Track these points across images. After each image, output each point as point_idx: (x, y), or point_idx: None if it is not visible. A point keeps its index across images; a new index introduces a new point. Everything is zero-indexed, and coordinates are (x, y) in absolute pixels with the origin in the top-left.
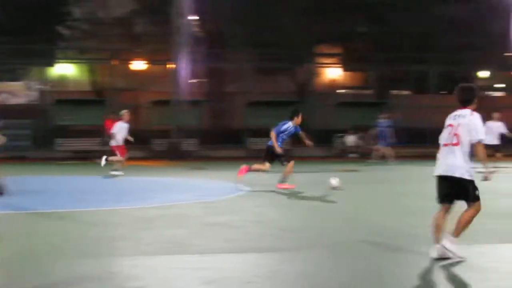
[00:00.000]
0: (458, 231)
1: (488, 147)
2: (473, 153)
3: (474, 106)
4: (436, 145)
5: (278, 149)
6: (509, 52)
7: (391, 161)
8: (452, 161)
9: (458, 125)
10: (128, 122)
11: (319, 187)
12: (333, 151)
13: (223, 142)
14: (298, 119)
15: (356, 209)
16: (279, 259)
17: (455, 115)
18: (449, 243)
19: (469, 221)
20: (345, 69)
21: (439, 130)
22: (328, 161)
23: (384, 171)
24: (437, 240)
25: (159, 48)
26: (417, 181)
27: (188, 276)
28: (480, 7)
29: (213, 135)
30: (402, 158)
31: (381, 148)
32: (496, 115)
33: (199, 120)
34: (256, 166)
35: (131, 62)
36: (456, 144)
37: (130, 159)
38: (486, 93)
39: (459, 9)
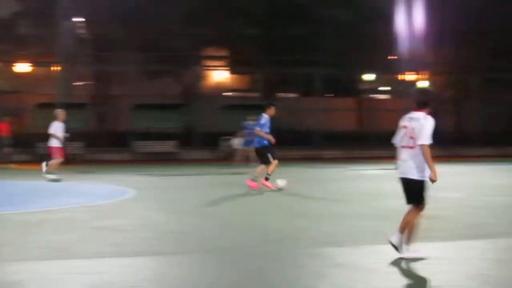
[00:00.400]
0: (409, 238)
1: None
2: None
3: (428, 109)
4: (321, 147)
5: (271, 138)
6: (393, 55)
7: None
8: (408, 163)
9: (413, 128)
10: (64, 121)
11: (206, 191)
12: (219, 154)
13: (109, 145)
14: (271, 111)
15: (243, 212)
16: (166, 263)
17: (410, 117)
18: (407, 253)
19: (415, 224)
20: (232, 72)
21: (325, 132)
22: (214, 164)
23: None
24: (401, 230)
25: (44, 50)
26: (303, 183)
27: (74, 281)
28: (364, 10)
29: (99, 138)
30: (289, 160)
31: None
32: None
33: (85, 123)
34: (270, 168)
35: (14, 64)
36: (412, 147)
37: (17, 162)
38: (371, 95)
39: (344, 12)
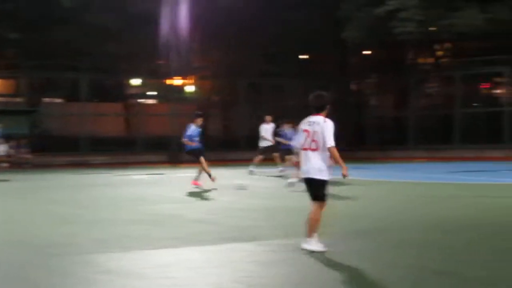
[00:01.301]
0: (311, 231)
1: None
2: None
3: (326, 112)
4: (89, 153)
5: (195, 143)
6: (160, 60)
7: None
8: (311, 164)
9: (314, 132)
10: None
11: None
12: None
13: None
14: (198, 120)
15: (5, 220)
16: None
17: (310, 122)
18: (307, 245)
19: (318, 219)
20: None
21: (92, 138)
22: None
23: (38, 180)
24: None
25: None
26: (70, 190)
27: None
28: (131, 16)
29: None
30: (56, 166)
31: None
32: (268, 118)
33: None
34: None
35: None
36: (315, 150)
37: None
38: (138, 100)
39: (110, 17)
